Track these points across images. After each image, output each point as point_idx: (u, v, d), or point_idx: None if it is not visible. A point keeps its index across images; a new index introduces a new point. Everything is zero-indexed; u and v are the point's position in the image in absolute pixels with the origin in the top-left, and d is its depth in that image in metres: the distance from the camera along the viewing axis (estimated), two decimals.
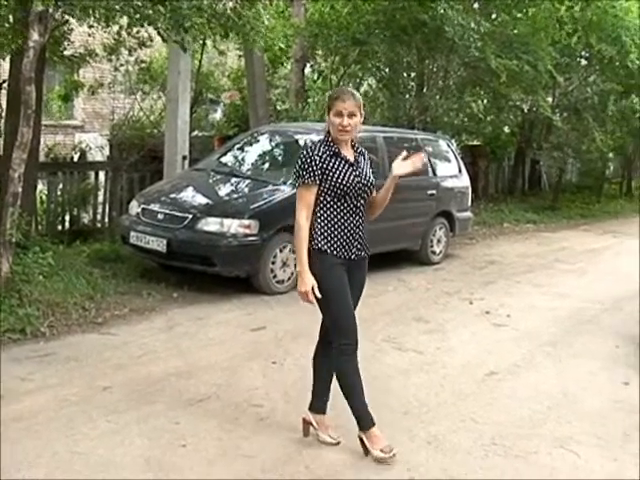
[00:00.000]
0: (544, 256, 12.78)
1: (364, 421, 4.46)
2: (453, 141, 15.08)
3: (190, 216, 8.40)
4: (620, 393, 5.92)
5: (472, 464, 4.46)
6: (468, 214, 12.42)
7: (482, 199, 19.22)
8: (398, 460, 4.41)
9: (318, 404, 4.72)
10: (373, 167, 4.64)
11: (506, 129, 22.61)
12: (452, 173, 11.96)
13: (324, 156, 4.36)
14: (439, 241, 11.33)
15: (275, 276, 8.50)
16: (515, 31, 15.73)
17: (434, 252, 11.22)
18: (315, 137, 9.85)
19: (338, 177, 4.34)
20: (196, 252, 8.23)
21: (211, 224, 8.30)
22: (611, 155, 26.66)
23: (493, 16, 15.86)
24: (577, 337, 7.52)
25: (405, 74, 17.59)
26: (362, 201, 4.48)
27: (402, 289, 9.32)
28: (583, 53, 19.90)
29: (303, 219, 4.31)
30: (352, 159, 4.46)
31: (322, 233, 4.37)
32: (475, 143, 21.91)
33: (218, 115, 19.24)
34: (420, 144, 11.36)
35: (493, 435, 4.88)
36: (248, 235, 8.28)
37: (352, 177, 4.38)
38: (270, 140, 10.49)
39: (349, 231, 4.41)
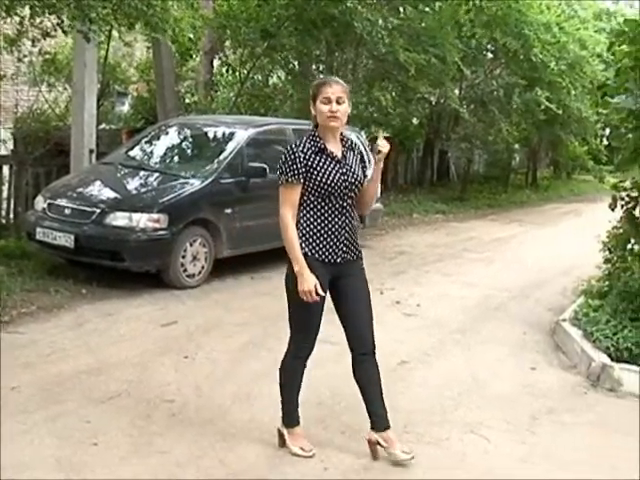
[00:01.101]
0: (453, 246, 13.02)
1: (289, 418, 4.49)
2: (362, 133, 15.18)
3: (98, 211, 8.23)
4: (528, 378, 6.07)
5: (384, 452, 4.50)
6: (378, 205, 12.50)
7: (391, 190, 19.40)
8: (314, 451, 4.43)
9: (380, 421, 4.42)
10: (364, 162, 4.37)
11: (415, 121, 22.85)
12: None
13: (309, 152, 4.12)
14: None
15: (186, 270, 8.41)
16: (423, 25, 15.93)
17: None
18: (226, 130, 9.86)
19: (323, 175, 4.10)
20: (105, 247, 8.07)
21: (119, 219, 8.14)
22: (517, 146, 27.30)
23: (401, 9, 16.00)
24: (485, 324, 7.68)
25: (315, 67, 17.63)
26: (349, 201, 4.23)
27: None
28: (489, 47, 20.29)
29: (288, 218, 4.09)
30: (339, 155, 4.21)
31: (304, 235, 4.15)
32: (385, 134, 22.05)
33: (126, 108, 18.94)
34: None
35: (405, 423, 4.94)
36: (157, 229, 8.17)
37: (338, 176, 4.14)
38: (179, 133, 10.37)
39: (333, 233, 4.17)
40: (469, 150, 21.80)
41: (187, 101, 16.67)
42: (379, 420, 4.40)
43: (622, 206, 7.07)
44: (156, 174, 9.20)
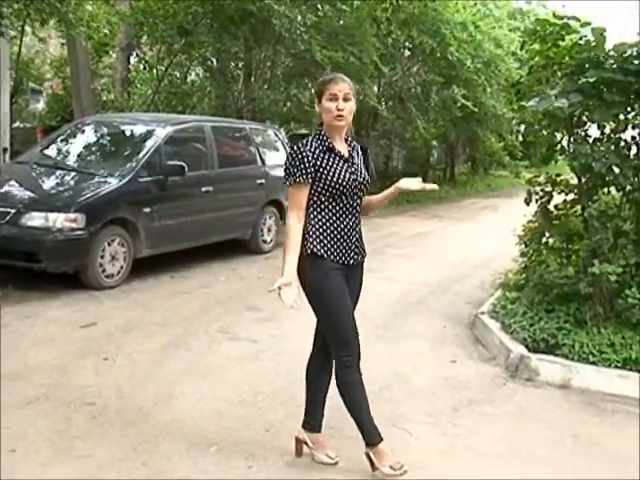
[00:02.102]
0: (375, 241, 13.07)
1: (371, 436, 4.13)
2: (282, 130, 15.20)
3: (13, 211, 8.01)
4: (448, 371, 6.16)
5: (306, 448, 4.50)
6: None
7: None
8: (236, 450, 4.41)
9: (313, 422, 4.37)
10: (368, 162, 4.25)
11: None
12: (281, 162, 11.98)
13: (317, 152, 3.96)
14: (270, 230, 11.39)
15: (104, 270, 8.25)
16: (341, 23, 16.02)
17: (265, 241, 11.27)
18: (144, 128, 9.74)
19: (333, 175, 3.95)
20: (20, 248, 7.87)
21: (35, 219, 7.95)
22: (435, 143, 27.70)
23: (319, 7, 16.06)
24: (407, 319, 7.76)
25: (233, 64, 17.56)
26: (358, 200, 4.11)
27: (234, 279, 9.29)
28: (407, 45, 20.53)
29: (293, 220, 3.92)
30: (347, 154, 4.08)
31: (317, 236, 3.97)
32: (304, 132, 22.14)
33: (40, 105, 18.54)
34: (249, 134, 11.42)
35: (328, 419, 4.93)
36: (75, 229, 7.99)
37: (348, 175, 4.00)
38: (96, 131, 10.20)
39: (346, 234, 4.02)
40: (388, 147, 22.02)
41: (104, 98, 16.41)
42: (317, 423, 4.40)
43: (537, 200, 7.22)
44: (73, 173, 9.02)
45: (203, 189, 9.73)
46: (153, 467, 4.20)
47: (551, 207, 7.17)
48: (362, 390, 4.11)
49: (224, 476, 4.14)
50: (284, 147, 12.36)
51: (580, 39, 6.83)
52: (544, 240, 7.43)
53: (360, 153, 4.19)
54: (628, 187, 6.77)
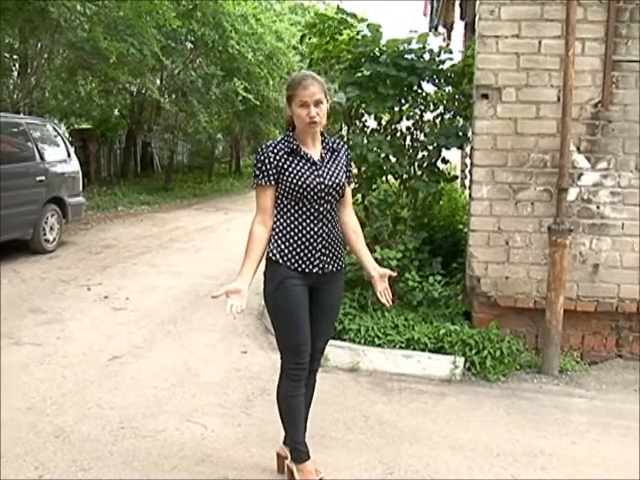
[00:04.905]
0: (160, 236, 12.98)
1: (299, 454, 3.93)
2: (62, 125, 14.68)
3: None
4: (240, 362, 6.19)
5: (102, 450, 4.38)
6: (80, 199, 12.21)
7: (95, 183, 19.00)
8: (25, 460, 4.21)
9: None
10: (348, 165, 3.96)
11: (116, 112, 22.45)
12: (61, 158, 11.66)
13: (280, 153, 3.72)
14: (52, 228, 10.98)
15: None
16: (121, 13, 15.62)
17: (47, 240, 10.84)
18: None
19: (294, 178, 3.69)
20: None
21: None
22: (220, 136, 27.75)
23: None
24: (195, 313, 7.73)
25: (7, 56, 16.69)
26: (327, 206, 3.78)
27: (16, 281, 8.87)
28: (189, 37, 20.41)
29: (255, 224, 3.73)
30: (317, 156, 3.80)
31: (276, 241, 3.75)
32: (85, 126, 21.54)
33: None
34: (25, 129, 10.91)
35: (121, 419, 4.84)
36: None
37: (311, 178, 3.71)
38: None
39: (308, 240, 3.74)
40: (172, 141, 21.84)
41: None
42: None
43: None
44: None
45: None
46: None
47: None
48: (302, 406, 3.92)
49: None
50: (64, 142, 11.96)
51: (357, 34, 7.09)
52: None
53: (340, 155, 3.92)
54: (405, 175, 7.11)
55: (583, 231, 6.12)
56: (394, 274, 4.04)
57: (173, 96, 21.20)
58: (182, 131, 22.63)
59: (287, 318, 3.74)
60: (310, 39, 7.59)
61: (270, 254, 3.77)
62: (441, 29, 13.61)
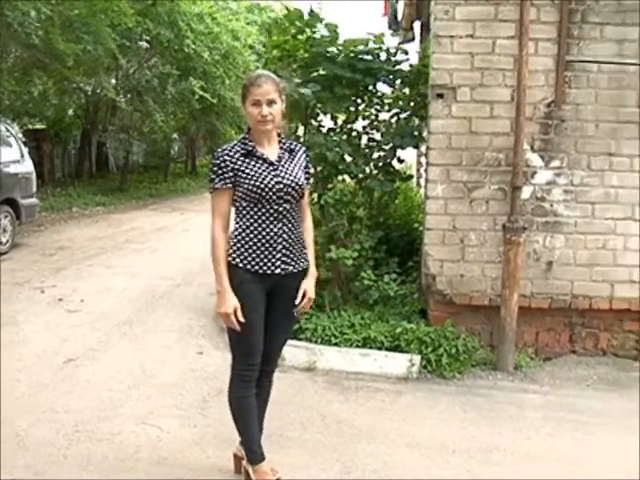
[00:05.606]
0: (115, 238, 12.87)
1: (254, 455, 3.91)
2: (15, 125, 14.46)
3: None
4: (196, 363, 6.16)
5: (57, 455, 4.32)
6: (34, 200, 12.07)
7: (49, 184, 18.80)
8: None
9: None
10: (307, 165, 3.95)
11: (70, 112, 22.22)
12: (14, 158, 11.52)
13: (236, 155, 3.68)
14: (5, 230, 10.83)
15: None
16: (76, 12, 15.42)
17: (0, 242, 10.68)
18: None
19: (251, 179, 3.64)
20: None
21: None
22: (175, 136, 27.60)
23: None
24: (151, 314, 7.67)
25: None
26: (287, 205, 3.74)
27: None
28: (144, 36, 20.25)
29: (218, 231, 3.69)
30: (274, 157, 3.77)
31: (235, 244, 3.71)
32: (38, 127, 21.29)
33: None
34: None
35: (76, 422, 4.79)
36: None
37: (269, 178, 3.67)
38: None
39: (268, 241, 3.69)
40: (127, 141, 21.69)
41: None
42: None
43: None
44: None
45: None
46: None
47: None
48: (254, 407, 3.90)
49: None
50: (18, 143, 11.81)
51: (313, 33, 7.09)
52: None
53: (299, 156, 3.90)
54: (360, 175, 7.13)
55: (537, 229, 6.20)
56: (307, 298, 3.89)
57: (129, 96, 21.04)
58: (137, 131, 22.46)
59: (247, 321, 3.66)
60: (273, 37, 7.55)
61: (229, 257, 3.73)
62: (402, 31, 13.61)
